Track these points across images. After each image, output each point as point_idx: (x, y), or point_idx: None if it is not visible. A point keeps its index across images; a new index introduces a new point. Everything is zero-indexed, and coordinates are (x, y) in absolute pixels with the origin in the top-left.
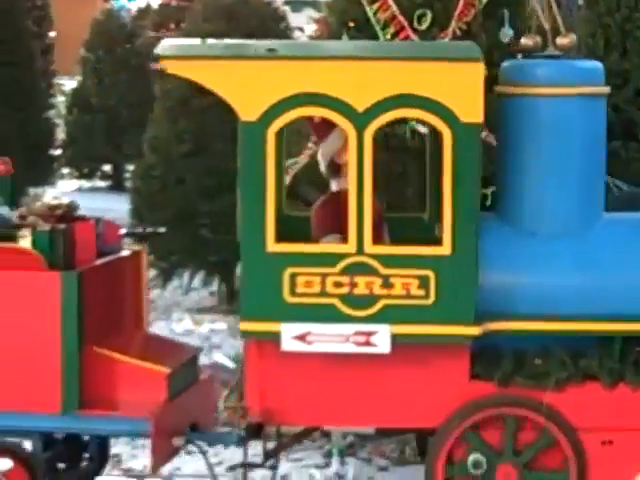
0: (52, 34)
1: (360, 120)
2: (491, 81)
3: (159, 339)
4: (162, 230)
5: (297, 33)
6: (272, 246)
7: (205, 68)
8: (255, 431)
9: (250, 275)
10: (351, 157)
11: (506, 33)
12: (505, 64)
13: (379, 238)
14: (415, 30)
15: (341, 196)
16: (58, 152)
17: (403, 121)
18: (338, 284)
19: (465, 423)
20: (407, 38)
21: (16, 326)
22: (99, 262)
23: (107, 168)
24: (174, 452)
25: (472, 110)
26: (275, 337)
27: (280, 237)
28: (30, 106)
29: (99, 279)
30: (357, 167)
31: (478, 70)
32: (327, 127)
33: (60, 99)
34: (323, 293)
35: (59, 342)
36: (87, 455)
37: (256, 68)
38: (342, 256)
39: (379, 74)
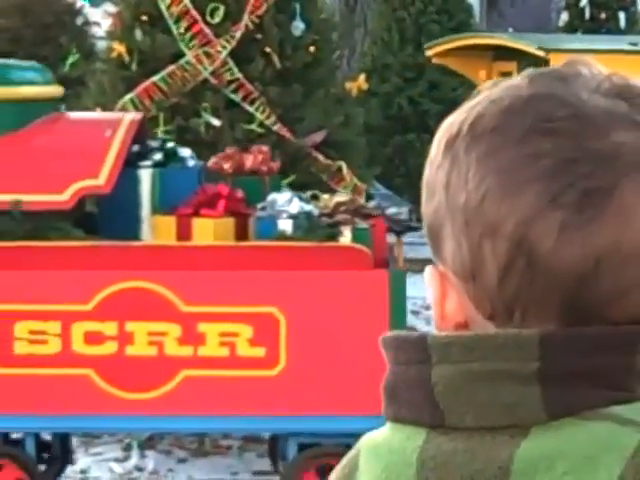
0: None
1: None
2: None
3: None
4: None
5: (95, 28)
6: None
7: None
8: None
9: None
10: None
11: (297, 26)
12: None
13: None
14: (208, 24)
15: None
16: None
17: (198, 115)
18: None
19: None
20: (200, 32)
21: (342, 328)
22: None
23: None
24: None
25: None
26: None
27: None
28: None
29: None
30: None
31: None
32: None
33: None
34: None
35: None
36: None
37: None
38: None
39: None
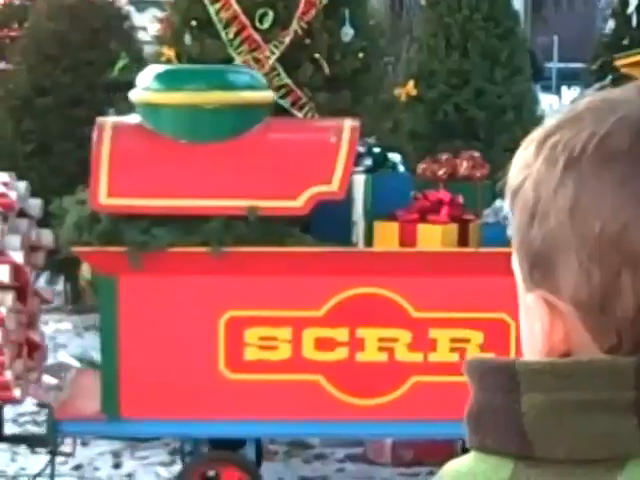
0: None
1: None
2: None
3: None
4: None
5: (141, 33)
6: None
7: None
8: None
9: None
10: None
11: (346, 32)
12: None
13: None
14: (257, 29)
15: None
16: None
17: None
18: None
19: None
20: (249, 38)
21: None
22: None
23: None
24: None
25: None
26: None
27: None
28: None
29: None
30: None
31: None
32: None
33: None
34: None
35: None
36: None
37: None
38: None
39: None
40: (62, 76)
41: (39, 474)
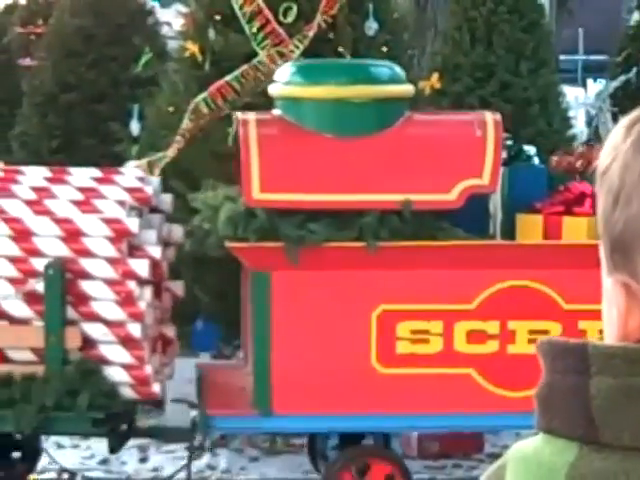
0: None
1: None
2: None
3: None
4: None
5: (165, 28)
6: None
7: None
8: None
9: None
10: None
11: (370, 26)
12: None
13: None
14: (281, 24)
15: None
16: None
17: None
18: None
19: None
20: (272, 32)
21: None
22: None
23: None
24: None
25: None
26: None
27: None
28: None
29: None
30: None
31: None
32: None
33: None
34: None
35: None
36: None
37: None
38: None
39: None
40: (86, 72)
41: (182, 469)
